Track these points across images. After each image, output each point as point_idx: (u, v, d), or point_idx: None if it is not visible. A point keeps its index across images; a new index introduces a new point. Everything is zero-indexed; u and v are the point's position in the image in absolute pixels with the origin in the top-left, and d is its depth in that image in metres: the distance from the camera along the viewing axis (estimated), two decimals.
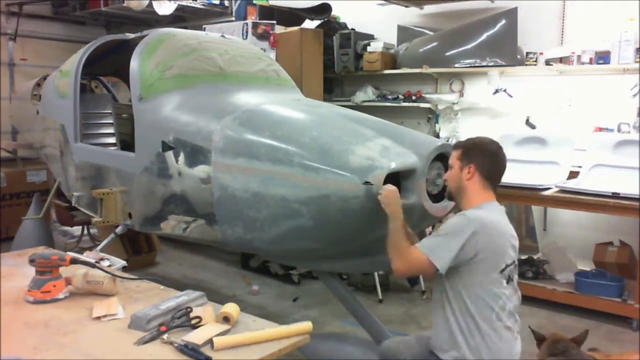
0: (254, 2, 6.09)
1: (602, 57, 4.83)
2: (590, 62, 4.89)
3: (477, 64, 5.60)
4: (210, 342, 1.87)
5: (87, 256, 2.65)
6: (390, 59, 6.21)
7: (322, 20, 6.51)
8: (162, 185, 3.37)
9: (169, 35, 3.96)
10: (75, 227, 6.34)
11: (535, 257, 5.11)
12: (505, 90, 5.56)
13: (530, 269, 4.84)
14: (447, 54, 5.77)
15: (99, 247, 3.76)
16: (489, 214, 2.37)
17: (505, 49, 5.42)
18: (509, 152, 4.90)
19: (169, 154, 3.30)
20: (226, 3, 6.90)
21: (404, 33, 6.37)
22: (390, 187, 2.52)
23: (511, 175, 4.54)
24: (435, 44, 5.93)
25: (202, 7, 6.84)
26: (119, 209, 3.78)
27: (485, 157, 2.47)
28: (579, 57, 4.96)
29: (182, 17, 7.44)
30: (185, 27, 5.51)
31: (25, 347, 1.86)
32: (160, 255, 6.06)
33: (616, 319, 4.34)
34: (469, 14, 5.87)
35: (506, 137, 5.13)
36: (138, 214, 3.69)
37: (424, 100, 6.03)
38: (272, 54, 5.42)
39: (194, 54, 3.78)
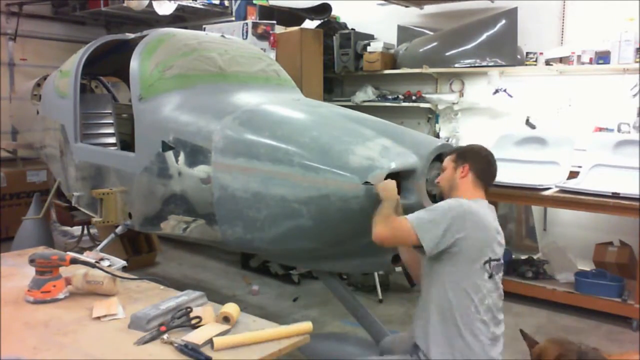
0: (254, 2, 6.09)
1: (602, 57, 4.83)
2: (590, 62, 4.89)
3: (477, 64, 5.60)
4: (210, 342, 1.87)
5: (87, 256, 2.65)
6: (390, 59, 6.21)
7: (322, 20, 6.51)
8: (162, 185, 3.37)
9: (169, 35, 3.96)
10: (75, 227, 6.33)
11: (535, 257, 5.11)
12: (505, 90, 5.56)
13: (530, 269, 4.83)
14: (447, 54, 5.77)
15: (99, 247, 3.76)
16: (479, 208, 2.41)
17: (505, 49, 5.42)
18: (509, 152, 5.02)
19: (169, 154, 3.30)
20: (226, 3, 6.90)
21: (404, 33, 6.37)
22: (389, 179, 2.56)
23: (511, 175, 4.58)
24: (435, 44, 5.93)
25: (202, 7, 6.84)
26: (119, 209, 3.78)
27: (479, 158, 2.54)
28: (579, 57, 4.96)
29: (182, 17, 7.44)
30: (185, 27, 5.50)
31: (25, 347, 1.87)
32: (160, 255, 6.05)
33: (616, 319, 4.33)
34: (469, 14, 5.87)
35: (506, 137, 5.15)
36: (138, 214, 3.69)
37: (424, 100, 6.03)
38: (272, 54, 5.42)
39: (194, 54, 3.78)
